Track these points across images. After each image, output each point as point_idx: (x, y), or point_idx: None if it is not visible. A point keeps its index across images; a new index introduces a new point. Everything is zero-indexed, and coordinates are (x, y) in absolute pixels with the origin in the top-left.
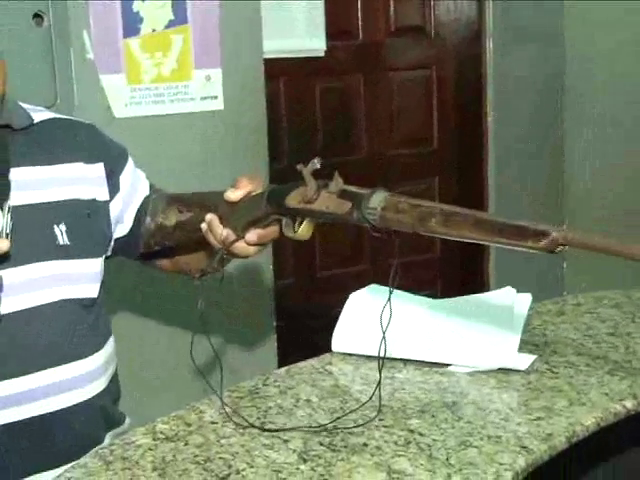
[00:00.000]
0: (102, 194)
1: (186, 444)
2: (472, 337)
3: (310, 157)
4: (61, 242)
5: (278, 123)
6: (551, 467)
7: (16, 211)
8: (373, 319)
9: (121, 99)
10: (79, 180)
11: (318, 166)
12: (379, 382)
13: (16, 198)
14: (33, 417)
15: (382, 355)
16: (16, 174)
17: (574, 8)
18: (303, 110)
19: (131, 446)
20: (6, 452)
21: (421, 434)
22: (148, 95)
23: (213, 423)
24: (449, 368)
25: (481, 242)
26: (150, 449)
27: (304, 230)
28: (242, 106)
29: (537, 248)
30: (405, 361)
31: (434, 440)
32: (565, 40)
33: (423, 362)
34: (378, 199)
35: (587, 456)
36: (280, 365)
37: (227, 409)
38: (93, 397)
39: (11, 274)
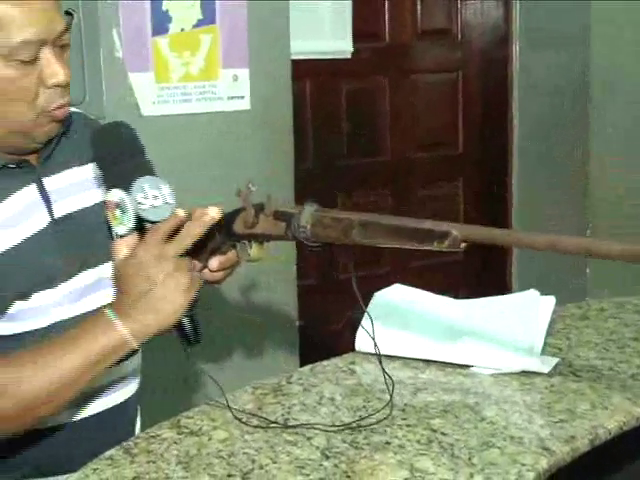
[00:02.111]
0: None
1: (210, 439)
2: (495, 339)
3: (335, 158)
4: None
5: (304, 124)
6: (573, 469)
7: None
8: (397, 318)
9: (149, 97)
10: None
11: (254, 189)
12: (389, 383)
13: (84, 198)
14: (100, 411)
15: (379, 352)
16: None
17: (601, 11)
18: (329, 111)
19: (156, 439)
20: (75, 444)
21: (443, 433)
22: (176, 94)
23: (237, 419)
24: (472, 369)
25: (397, 246)
26: (175, 443)
27: (255, 253)
28: (269, 106)
29: (444, 248)
30: (428, 362)
31: (456, 440)
32: (592, 43)
33: (446, 363)
34: (306, 217)
35: (609, 459)
36: (302, 364)
37: (233, 409)
38: (138, 388)
39: (88, 276)
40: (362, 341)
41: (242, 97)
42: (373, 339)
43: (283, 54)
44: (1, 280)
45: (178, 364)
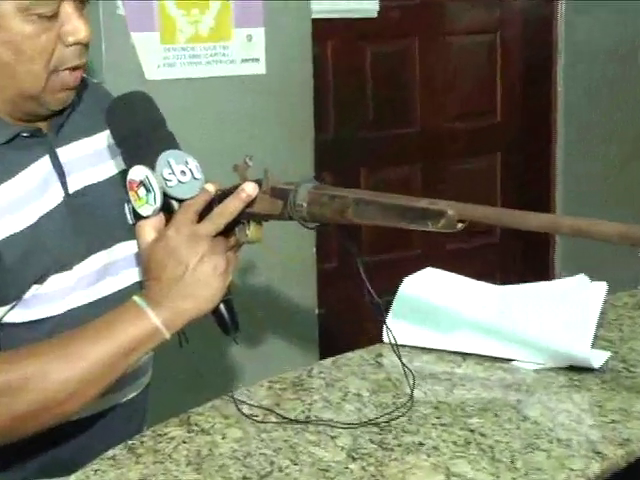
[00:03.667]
0: None
1: (224, 437)
2: (539, 330)
3: (358, 129)
4: (130, 221)
5: (325, 90)
6: (627, 475)
7: (92, 189)
8: (430, 307)
9: (153, 60)
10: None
11: (250, 164)
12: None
13: (89, 175)
14: (109, 408)
15: (394, 342)
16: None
17: None
18: (352, 76)
19: (163, 438)
20: (81, 443)
21: (483, 434)
22: (183, 56)
23: (253, 415)
24: (513, 363)
25: (392, 226)
26: (184, 442)
27: (253, 233)
28: (286, 70)
29: (438, 228)
30: (464, 355)
31: (497, 441)
32: None
33: (484, 356)
34: (303, 194)
35: None
36: (322, 356)
37: (244, 408)
38: (150, 381)
39: (103, 257)
40: (389, 331)
41: (257, 60)
42: (387, 328)
43: (302, 12)
44: (19, 263)
45: (187, 355)
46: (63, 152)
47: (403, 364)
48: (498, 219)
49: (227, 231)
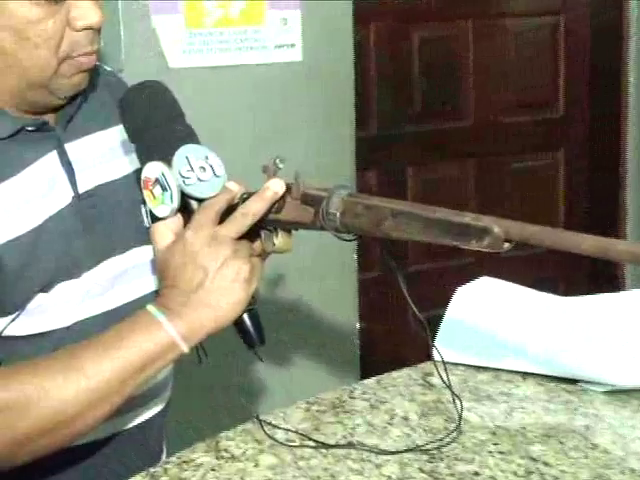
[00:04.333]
0: None
1: (256, 465)
2: (609, 347)
3: (404, 123)
4: (147, 224)
5: (367, 79)
6: None
7: (103, 189)
8: (485, 320)
9: (177, 46)
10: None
11: (281, 166)
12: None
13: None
14: (123, 430)
15: (442, 361)
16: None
17: None
18: (398, 64)
19: (190, 465)
20: (103, 461)
21: (546, 463)
22: (210, 41)
23: (289, 440)
24: (580, 385)
25: (432, 242)
26: (213, 469)
27: (281, 242)
28: (325, 57)
29: (483, 248)
30: (524, 374)
31: (562, 472)
32: None
33: (547, 376)
34: (336, 202)
35: None
36: (363, 375)
37: (279, 433)
38: (170, 398)
39: (115, 264)
40: (441, 348)
41: (292, 45)
42: (433, 346)
43: None
44: (22, 269)
45: (208, 372)
46: (72, 148)
47: (449, 386)
48: (550, 240)
49: (252, 237)
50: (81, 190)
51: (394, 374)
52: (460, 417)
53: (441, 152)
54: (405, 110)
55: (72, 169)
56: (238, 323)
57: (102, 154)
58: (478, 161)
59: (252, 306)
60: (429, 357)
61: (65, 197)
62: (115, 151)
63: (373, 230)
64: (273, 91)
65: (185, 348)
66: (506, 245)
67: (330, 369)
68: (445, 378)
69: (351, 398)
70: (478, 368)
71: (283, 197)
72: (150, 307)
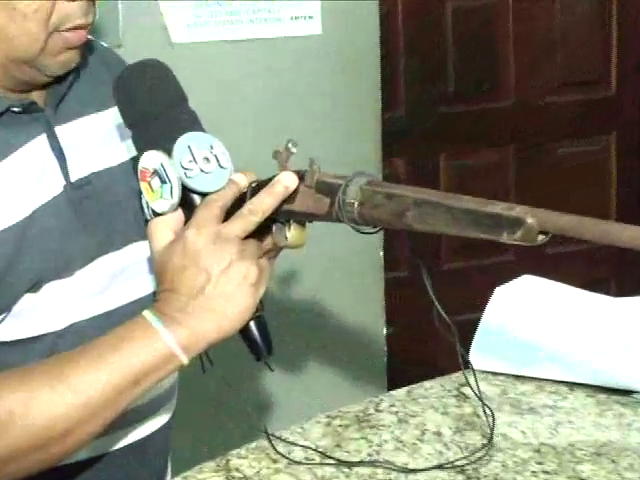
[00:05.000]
0: None
1: None
2: None
3: (436, 104)
4: (148, 217)
5: (394, 54)
6: None
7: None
8: (527, 325)
9: (182, 18)
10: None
11: (294, 151)
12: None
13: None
14: (124, 446)
15: (470, 368)
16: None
17: None
18: (429, 37)
19: None
20: (105, 479)
21: None
22: (218, 13)
23: (308, 459)
24: (634, 396)
25: (459, 235)
26: None
27: (294, 236)
28: (347, 31)
29: (515, 241)
30: (571, 385)
31: None
32: None
33: (598, 387)
34: (354, 191)
35: None
36: (391, 385)
37: (296, 451)
38: (173, 413)
39: (110, 261)
40: (478, 355)
41: (310, 17)
42: (461, 352)
43: None
44: (8, 266)
45: (215, 382)
46: (64, 131)
47: (479, 396)
48: (589, 232)
49: (261, 232)
50: (73, 178)
51: (426, 384)
52: (492, 430)
53: (477, 137)
54: (437, 89)
55: (63, 155)
56: (244, 332)
57: (97, 139)
58: (519, 147)
59: (259, 313)
60: (466, 365)
61: (55, 186)
62: (112, 135)
63: (394, 222)
64: (289, 69)
65: (185, 359)
66: (541, 237)
67: (353, 379)
68: (476, 387)
69: (377, 411)
70: (520, 378)
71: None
72: (147, 313)
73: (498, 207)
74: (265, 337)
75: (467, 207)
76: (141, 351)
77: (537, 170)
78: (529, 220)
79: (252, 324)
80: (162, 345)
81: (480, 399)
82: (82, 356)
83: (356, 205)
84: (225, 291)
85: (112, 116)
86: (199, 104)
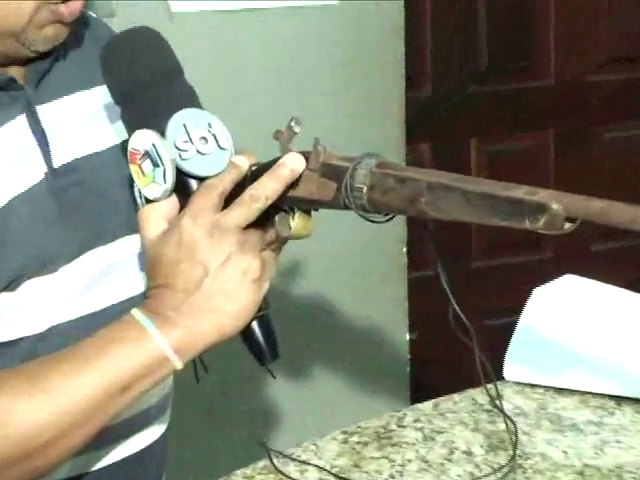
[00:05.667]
0: None
1: None
2: None
3: (467, 82)
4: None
5: (420, 27)
6: None
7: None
8: (569, 331)
9: None
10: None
11: (297, 131)
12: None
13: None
14: (114, 463)
15: (489, 380)
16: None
17: None
18: (458, 8)
19: None
20: None
21: None
22: None
23: None
24: None
25: (477, 222)
26: None
27: (298, 225)
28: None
29: (538, 228)
30: (618, 399)
31: None
32: None
33: None
34: (363, 174)
35: None
36: (415, 398)
37: (309, 471)
38: (168, 425)
39: (98, 257)
40: (514, 364)
41: None
42: (483, 363)
43: None
44: None
45: (220, 389)
46: (46, 111)
47: (501, 409)
48: (622, 218)
49: (263, 221)
50: (56, 164)
51: (454, 397)
52: (515, 446)
53: (513, 119)
54: (468, 66)
55: (45, 137)
56: (246, 333)
57: (84, 120)
58: (560, 131)
59: (263, 312)
60: (500, 376)
61: (36, 172)
62: (101, 117)
63: (407, 208)
64: (302, 42)
65: (179, 364)
66: (567, 225)
67: (373, 390)
68: (496, 398)
69: (400, 427)
70: (560, 391)
71: None
72: (136, 312)
73: (520, 191)
74: (269, 339)
75: (484, 191)
76: (130, 354)
77: (580, 157)
78: (554, 206)
79: (255, 324)
80: (153, 348)
81: (501, 411)
82: (66, 360)
83: (365, 190)
84: (225, 287)
85: (101, 95)
86: (199, 79)
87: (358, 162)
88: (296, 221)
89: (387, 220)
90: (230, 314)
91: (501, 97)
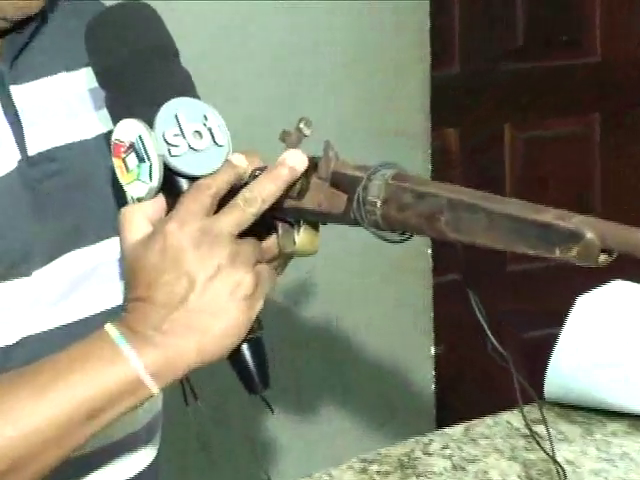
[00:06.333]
0: None
1: None
2: None
3: (500, 60)
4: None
5: (448, 2)
6: None
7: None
8: (620, 344)
9: None
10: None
11: (307, 133)
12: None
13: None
14: None
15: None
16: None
17: None
18: None
19: None
20: None
21: None
22: None
23: None
24: None
25: (502, 249)
26: None
27: (304, 240)
28: None
29: (570, 259)
30: None
31: None
32: None
33: None
34: (377, 187)
35: None
36: (440, 421)
37: None
38: (157, 454)
39: (78, 259)
40: (555, 383)
41: None
42: (521, 381)
43: None
44: None
45: (217, 416)
46: (21, 92)
47: (533, 435)
48: None
49: (262, 231)
50: (32, 152)
51: (487, 421)
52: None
53: (553, 102)
54: (501, 41)
55: (19, 121)
56: (234, 357)
57: (66, 104)
58: (607, 115)
59: (255, 333)
60: (539, 396)
61: (8, 160)
62: (85, 101)
63: (425, 227)
64: (313, 20)
65: (154, 389)
66: (602, 258)
67: (394, 412)
68: (529, 422)
69: (426, 454)
70: (609, 414)
71: (307, 176)
72: (110, 328)
73: (550, 215)
74: (260, 365)
75: (509, 212)
76: (99, 376)
77: (631, 146)
78: (588, 235)
79: (245, 347)
80: (128, 370)
81: (537, 442)
82: (27, 380)
83: (379, 204)
84: (212, 304)
85: (87, 77)
86: (196, 65)
87: (373, 172)
88: (301, 235)
89: (402, 240)
90: (217, 335)
91: (539, 76)
